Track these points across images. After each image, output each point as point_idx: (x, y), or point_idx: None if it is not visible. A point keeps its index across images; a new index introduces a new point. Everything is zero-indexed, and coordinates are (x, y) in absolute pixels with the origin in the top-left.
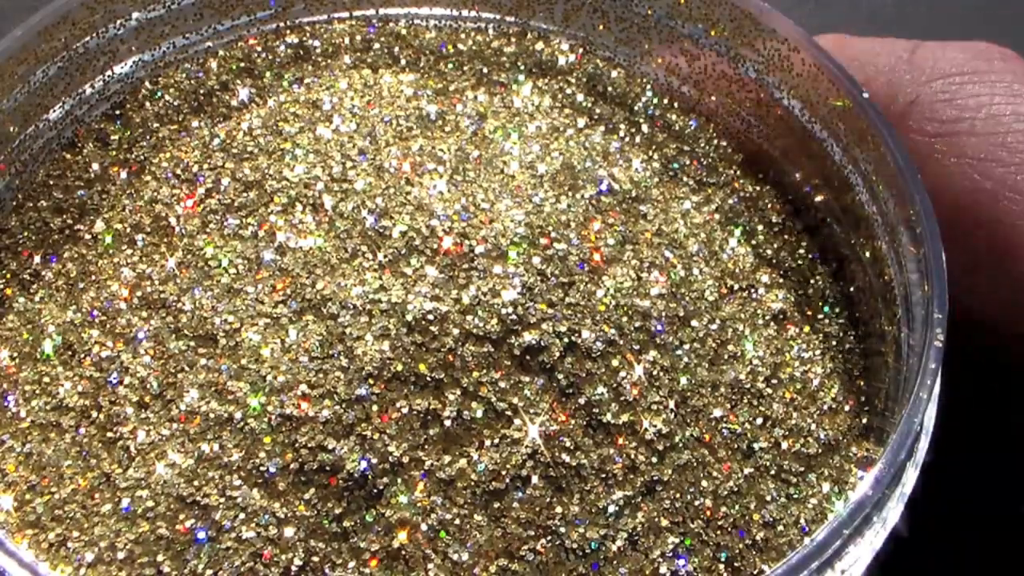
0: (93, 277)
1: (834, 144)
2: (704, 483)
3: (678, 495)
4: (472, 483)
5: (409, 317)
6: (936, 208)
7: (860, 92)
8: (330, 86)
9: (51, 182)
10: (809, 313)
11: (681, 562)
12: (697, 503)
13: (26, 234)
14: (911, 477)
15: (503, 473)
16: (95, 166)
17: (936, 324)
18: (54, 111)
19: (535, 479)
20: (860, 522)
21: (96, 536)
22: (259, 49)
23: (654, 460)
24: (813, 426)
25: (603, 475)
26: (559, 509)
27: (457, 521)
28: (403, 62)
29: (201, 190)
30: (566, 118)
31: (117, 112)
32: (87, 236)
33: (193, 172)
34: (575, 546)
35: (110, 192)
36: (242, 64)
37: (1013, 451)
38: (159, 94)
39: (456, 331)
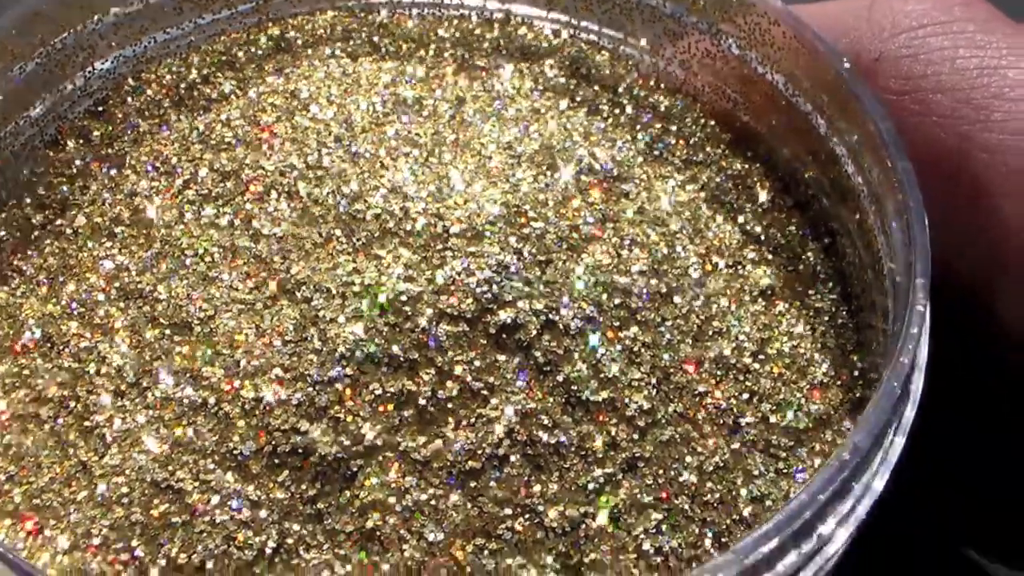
0: (73, 271)
1: (818, 117)
2: (688, 459)
3: (661, 471)
4: (448, 463)
5: (382, 298)
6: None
7: (841, 62)
8: (308, 75)
9: (34, 179)
10: (800, 289)
11: (665, 538)
12: (682, 479)
13: (8, 231)
14: (897, 444)
15: (479, 452)
16: (77, 162)
17: (919, 289)
18: (35, 108)
19: (513, 458)
20: (838, 487)
21: (72, 523)
22: (240, 42)
23: (635, 437)
24: (803, 400)
25: (583, 452)
26: (537, 488)
27: (432, 501)
28: (383, 50)
29: (179, 181)
30: (548, 100)
31: (100, 108)
32: (68, 231)
33: (172, 164)
34: (555, 524)
35: (91, 187)
36: (223, 58)
37: (1006, 434)
38: (141, 89)
39: (430, 311)
